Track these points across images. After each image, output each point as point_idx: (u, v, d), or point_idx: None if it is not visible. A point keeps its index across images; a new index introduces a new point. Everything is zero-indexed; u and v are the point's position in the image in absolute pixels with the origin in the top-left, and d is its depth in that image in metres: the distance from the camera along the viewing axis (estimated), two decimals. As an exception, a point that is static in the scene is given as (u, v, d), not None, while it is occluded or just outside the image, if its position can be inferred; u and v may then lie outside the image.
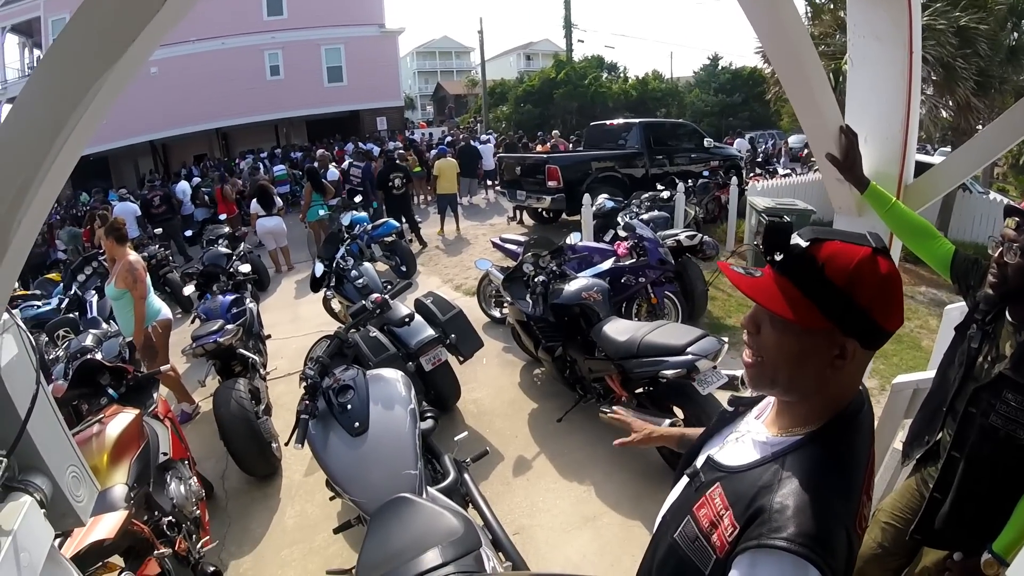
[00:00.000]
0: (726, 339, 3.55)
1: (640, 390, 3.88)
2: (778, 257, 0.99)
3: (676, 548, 1.06)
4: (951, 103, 9.43)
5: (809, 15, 10.85)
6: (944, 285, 7.56)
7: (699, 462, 1.19)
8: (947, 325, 3.01)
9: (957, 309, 2.81)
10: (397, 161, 11.53)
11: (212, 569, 2.90)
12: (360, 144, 20.52)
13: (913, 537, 1.94)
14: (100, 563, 2.15)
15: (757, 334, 1.04)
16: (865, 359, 1.02)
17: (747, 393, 1.30)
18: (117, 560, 2.25)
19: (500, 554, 2.47)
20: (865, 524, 1.00)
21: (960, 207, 10.14)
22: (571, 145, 18.49)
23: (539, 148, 17.67)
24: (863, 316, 0.93)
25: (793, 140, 23.71)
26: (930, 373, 2.26)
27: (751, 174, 15.39)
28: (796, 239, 0.99)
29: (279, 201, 10.70)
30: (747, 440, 1.11)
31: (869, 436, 1.06)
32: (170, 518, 2.77)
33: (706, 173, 11.59)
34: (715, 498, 1.02)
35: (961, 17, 8.64)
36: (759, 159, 19.66)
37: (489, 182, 16.60)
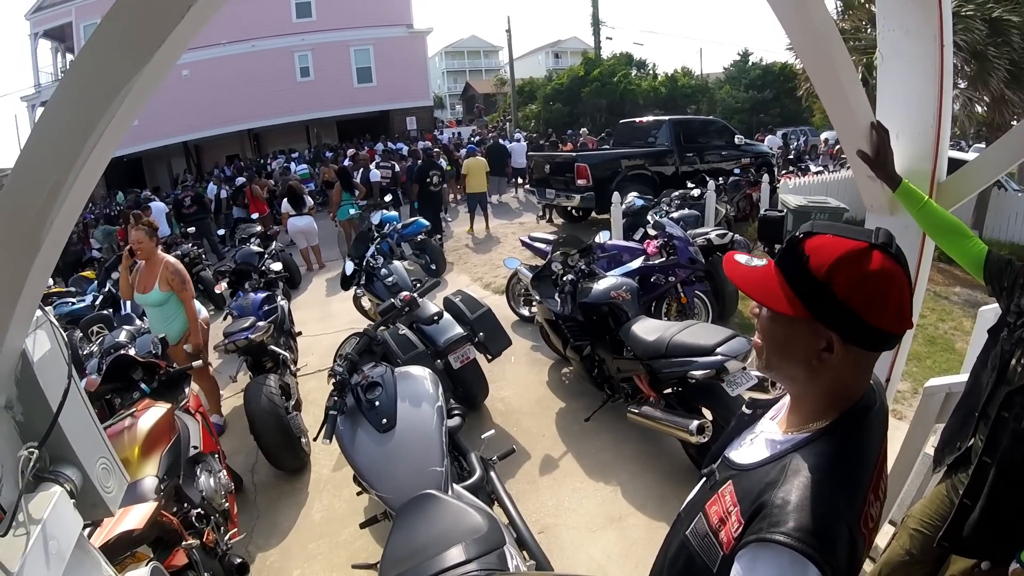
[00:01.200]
0: (756, 339, 3.50)
1: (669, 390, 3.84)
2: (776, 249, 1.01)
3: (687, 544, 1.07)
4: (985, 97, 9.13)
5: (840, 9, 10.63)
6: (980, 286, 7.36)
7: (717, 463, 1.20)
8: (981, 327, 2.93)
9: (992, 310, 2.74)
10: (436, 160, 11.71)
11: (239, 561, 2.95)
12: (389, 144, 20.65)
13: (941, 545, 1.88)
14: (129, 553, 2.20)
15: (758, 320, 1.08)
16: (864, 357, 1.01)
17: (766, 396, 1.30)
18: (146, 550, 2.30)
19: (524, 552, 2.48)
20: (873, 524, 0.98)
21: (995, 205, 9.78)
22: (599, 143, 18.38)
23: (564, 146, 17.55)
24: (842, 309, 0.93)
25: (831, 136, 23.21)
26: (963, 377, 2.19)
27: (783, 171, 15.13)
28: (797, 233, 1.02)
29: (309, 200, 10.83)
30: (760, 440, 1.12)
31: (881, 434, 1.05)
32: (199, 510, 2.82)
33: (737, 171, 11.42)
34: (726, 495, 1.03)
35: (994, 8, 8.39)
36: (791, 156, 19.30)
37: (520, 180, 16.53)
